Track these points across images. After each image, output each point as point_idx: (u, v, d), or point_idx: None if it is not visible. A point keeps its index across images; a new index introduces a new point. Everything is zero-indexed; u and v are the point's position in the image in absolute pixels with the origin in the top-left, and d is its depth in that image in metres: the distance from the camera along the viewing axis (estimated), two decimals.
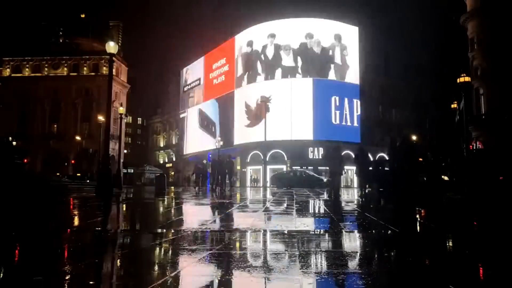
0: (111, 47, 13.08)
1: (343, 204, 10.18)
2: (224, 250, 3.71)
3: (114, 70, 33.07)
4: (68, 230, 5.38)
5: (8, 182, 11.58)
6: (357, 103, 42.18)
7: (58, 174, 39.62)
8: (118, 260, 3.49)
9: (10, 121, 52.53)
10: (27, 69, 54.66)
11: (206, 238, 4.56)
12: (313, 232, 5.16)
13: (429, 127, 39.30)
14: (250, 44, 44.59)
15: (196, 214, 8.11)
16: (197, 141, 54.48)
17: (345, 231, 5.02)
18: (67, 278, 2.79)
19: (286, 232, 4.73)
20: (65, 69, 54.44)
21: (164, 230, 5.10)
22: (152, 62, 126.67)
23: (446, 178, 15.43)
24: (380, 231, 5.15)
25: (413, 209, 8.40)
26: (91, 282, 2.76)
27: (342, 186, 14.52)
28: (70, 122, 53.39)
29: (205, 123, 52.91)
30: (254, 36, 44.46)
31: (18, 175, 14.75)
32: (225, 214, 7.62)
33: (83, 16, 56.62)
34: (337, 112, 40.85)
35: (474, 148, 27.03)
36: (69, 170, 48.36)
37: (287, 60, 41.58)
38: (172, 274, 2.82)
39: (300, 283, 2.58)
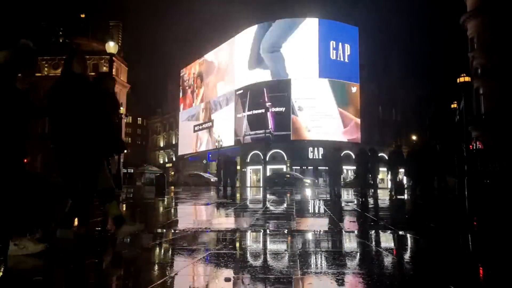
0: (111, 47, 13.09)
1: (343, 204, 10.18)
2: (224, 250, 3.71)
3: (114, 70, 33.04)
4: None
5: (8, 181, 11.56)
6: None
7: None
8: (118, 260, 3.49)
9: None
10: None
11: (206, 238, 4.56)
12: None
13: (429, 127, 39.33)
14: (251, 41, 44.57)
15: (197, 214, 8.11)
16: (195, 141, 54.52)
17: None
18: (67, 278, 2.79)
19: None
20: None
21: (164, 230, 5.10)
22: (152, 62, 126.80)
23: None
24: (377, 230, 5.15)
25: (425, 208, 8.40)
26: (91, 282, 2.76)
27: (342, 185, 14.53)
28: None
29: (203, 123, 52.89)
30: (255, 35, 44.46)
31: (17, 174, 14.71)
32: (225, 213, 7.62)
33: (83, 16, 56.63)
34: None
35: (474, 148, 27.02)
36: None
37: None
38: (172, 274, 2.82)
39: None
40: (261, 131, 37.31)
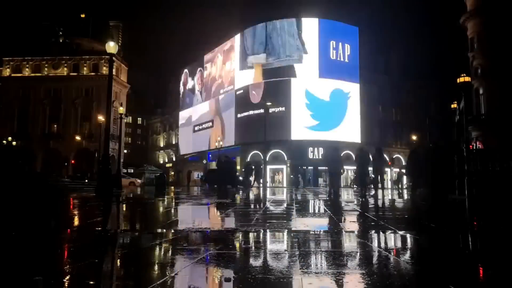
0: (111, 47, 13.08)
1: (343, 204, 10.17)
2: (224, 250, 3.71)
3: (114, 70, 33.05)
4: (68, 230, 5.38)
5: (7, 182, 11.58)
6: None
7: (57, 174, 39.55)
8: (118, 260, 3.49)
9: (10, 121, 52.53)
10: (27, 69, 54.63)
11: (206, 238, 4.56)
12: None
13: (429, 127, 39.32)
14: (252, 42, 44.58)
15: (197, 214, 8.11)
16: (195, 141, 54.53)
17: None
18: (67, 278, 2.78)
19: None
20: (65, 69, 54.41)
21: (164, 230, 5.10)
22: (152, 62, 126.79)
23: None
24: (378, 230, 5.15)
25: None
26: (91, 282, 2.76)
27: (341, 186, 14.54)
28: (70, 122, 53.37)
29: (204, 123, 52.92)
30: (255, 35, 44.47)
31: (17, 175, 14.75)
32: (225, 213, 7.62)
33: (83, 16, 56.60)
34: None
35: (474, 148, 27.01)
36: (69, 170, 48.35)
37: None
38: (172, 274, 2.82)
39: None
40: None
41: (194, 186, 37.19)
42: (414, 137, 42.31)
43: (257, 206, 9.80)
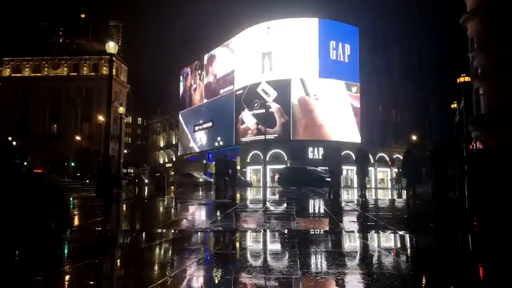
0: (111, 47, 13.07)
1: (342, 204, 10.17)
2: (223, 250, 3.71)
3: (114, 70, 33.06)
4: (68, 230, 5.38)
5: (7, 182, 11.58)
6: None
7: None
8: (118, 260, 3.49)
9: (10, 121, 52.53)
10: (27, 69, 54.65)
11: (206, 238, 4.56)
12: None
13: (429, 127, 39.34)
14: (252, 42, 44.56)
15: (196, 214, 8.11)
16: (195, 141, 54.55)
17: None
18: (67, 278, 2.79)
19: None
20: (65, 69, 54.41)
21: (164, 230, 5.10)
22: (152, 62, 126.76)
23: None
24: (378, 230, 5.15)
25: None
26: (91, 282, 2.76)
27: (342, 186, 14.54)
28: (70, 122, 53.35)
29: (204, 122, 52.93)
30: (254, 35, 44.47)
31: (17, 175, 14.74)
32: (224, 213, 7.62)
33: (83, 16, 56.60)
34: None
35: (474, 148, 27.00)
36: (69, 170, 48.34)
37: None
38: (172, 274, 2.82)
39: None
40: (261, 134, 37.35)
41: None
42: (414, 137, 42.29)
43: (258, 206, 9.80)
